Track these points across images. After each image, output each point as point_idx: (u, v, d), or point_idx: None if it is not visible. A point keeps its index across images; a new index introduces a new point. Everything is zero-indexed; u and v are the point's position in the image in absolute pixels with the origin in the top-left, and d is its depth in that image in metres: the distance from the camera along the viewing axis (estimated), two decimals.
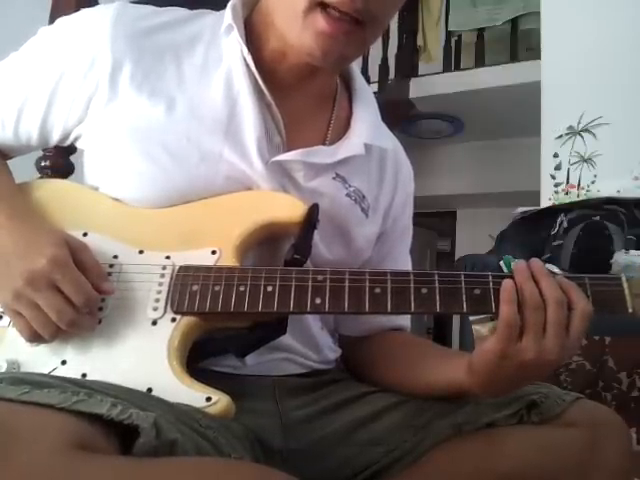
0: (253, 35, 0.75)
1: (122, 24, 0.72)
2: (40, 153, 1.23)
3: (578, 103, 2.48)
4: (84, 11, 0.76)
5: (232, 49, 0.74)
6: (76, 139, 0.76)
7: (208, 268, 0.66)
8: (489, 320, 1.53)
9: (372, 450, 0.71)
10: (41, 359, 0.64)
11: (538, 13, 2.90)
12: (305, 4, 0.66)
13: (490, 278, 0.63)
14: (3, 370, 0.63)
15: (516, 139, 3.91)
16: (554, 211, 2.31)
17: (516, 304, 0.60)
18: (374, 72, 3.68)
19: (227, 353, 0.70)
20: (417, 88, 3.81)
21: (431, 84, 3.77)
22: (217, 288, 0.64)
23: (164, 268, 0.67)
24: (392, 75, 3.87)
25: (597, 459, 0.65)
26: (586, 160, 2.46)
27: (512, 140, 4.00)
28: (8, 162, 0.80)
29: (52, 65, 0.73)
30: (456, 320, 3.78)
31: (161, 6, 0.77)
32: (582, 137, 2.48)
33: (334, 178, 0.78)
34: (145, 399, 0.55)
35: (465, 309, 0.63)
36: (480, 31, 3.89)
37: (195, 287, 0.65)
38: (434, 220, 4.95)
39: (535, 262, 0.64)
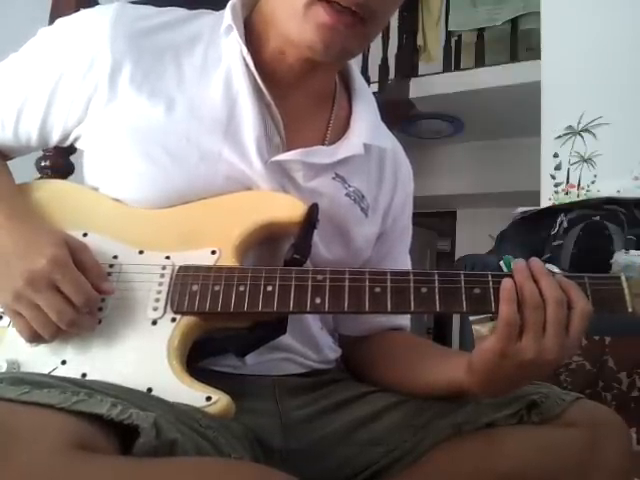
0: (253, 35, 0.75)
1: (121, 24, 0.72)
2: (40, 153, 1.23)
3: (578, 103, 2.49)
4: (83, 12, 0.76)
5: (232, 49, 0.74)
6: (76, 139, 0.76)
7: (208, 268, 0.66)
8: (489, 320, 1.53)
9: (372, 450, 0.71)
10: (41, 359, 0.64)
11: (538, 13, 2.91)
12: None
13: (490, 278, 0.63)
14: (3, 370, 0.63)
15: (516, 139, 3.91)
16: (554, 211, 2.31)
17: (516, 303, 0.60)
18: (374, 72, 3.68)
19: (227, 353, 0.70)
20: (417, 88, 3.81)
21: (431, 84, 3.77)
22: (217, 288, 0.65)
23: (164, 268, 0.67)
24: (392, 75, 3.87)
25: (597, 459, 0.65)
26: (586, 160, 2.46)
27: (512, 140, 4.00)
28: (8, 162, 0.80)
29: (51, 66, 0.73)
30: (456, 320, 3.78)
31: (161, 6, 0.77)
32: (582, 137, 2.48)
33: (333, 178, 0.78)
34: (145, 399, 0.55)
35: (465, 308, 0.63)
36: (480, 31, 3.89)
37: (195, 287, 0.65)
38: (434, 220, 4.95)
39: (535, 261, 0.64)
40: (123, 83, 0.71)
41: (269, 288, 0.64)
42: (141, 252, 0.69)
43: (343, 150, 0.78)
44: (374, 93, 0.89)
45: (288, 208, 0.71)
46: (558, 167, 2.53)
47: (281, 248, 0.72)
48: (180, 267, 0.67)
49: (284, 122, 0.74)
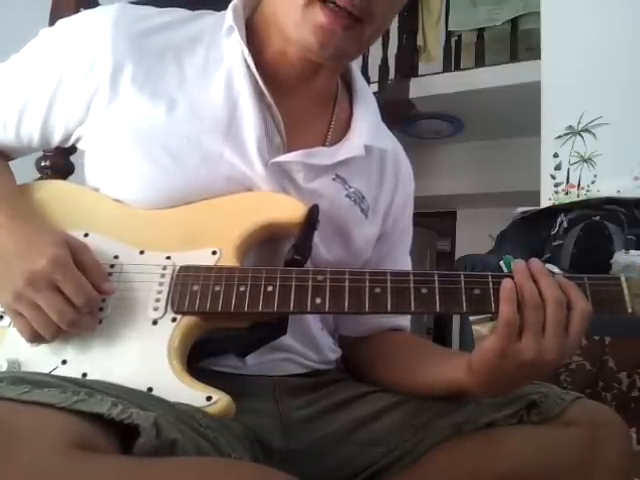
0: (254, 36, 0.75)
1: (123, 25, 0.72)
2: (40, 153, 1.23)
3: (578, 103, 2.49)
4: (84, 13, 0.76)
5: (233, 50, 0.74)
6: (77, 140, 0.76)
7: (208, 268, 0.66)
8: (489, 320, 1.54)
9: (372, 450, 0.71)
10: (41, 359, 0.64)
11: (538, 13, 2.91)
12: None
13: (490, 278, 0.63)
14: (4, 370, 0.63)
15: (516, 139, 3.91)
16: (554, 211, 2.31)
17: (516, 303, 0.60)
18: (374, 72, 3.68)
19: (227, 353, 0.70)
20: (417, 88, 3.81)
21: (431, 84, 3.77)
22: (217, 288, 0.65)
23: (164, 268, 0.67)
24: (392, 75, 3.87)
25: (597, 459, 0.65)
26: (586, 160, 2.46)
27: (512, 140, 4.00)
28: (9, 163, 0.80)
29: (52, 67, 0.73)
30: (456, 320, 3.78)
31: (162, 7, 0.77)
32: (582, 137, 2.48)
33: (334, 179, 0.78)
34: (145, 399, 0.55)
35: (465, 309, 0.63)
36: (480, 31, 3.90)
37: (195, 287, 0.65)
38: (434, 220, 4.95)
39: (534, 262, 0.64)
40: (124, 84, 0.71)
41: (269, 288, 0.64)
42: (142, 252, 0.69)
43: (344, 151, 0.78)
44: (374, 93, 0.89)
45: (288, 209, 0.71)
46: (558, 167, 2.53)
47: (281, 249, 0.73)
48: (181, 267, 0.67)
49: (285, 123, 0.74)
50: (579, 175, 2.47)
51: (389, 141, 0.88)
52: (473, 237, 4.20)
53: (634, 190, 2.24)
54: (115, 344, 0.64)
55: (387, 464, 0.70)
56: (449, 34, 4.05)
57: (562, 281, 0.62)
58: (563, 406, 0.68)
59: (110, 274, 0.67)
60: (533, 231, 2.30)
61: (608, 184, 2.32)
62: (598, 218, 2.14)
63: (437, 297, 0.63)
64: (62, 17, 0.77)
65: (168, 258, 0.68)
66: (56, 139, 0.76)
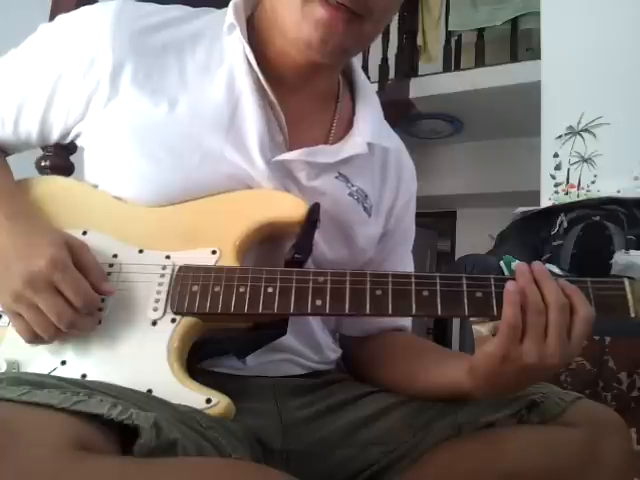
0: (255, 34, 0.75)
1: (123, 22, 0.72)
2: (40, 153, 1.22)
3: (578, 103, 2.49)
4: (85, 8, 0.75)
5: (234, 48, 0.73)
6: (76, 136, 0.76)
7: (208, 268, 0.66)
8: (489, 320, 1.53)
9: (372, 450, 0.70)
10: (41, 359, 0.64)
11: (538, 13, 2.91)
12: None
13: (492, 281, 0.63)
14: (3, 370, 0.63)
15: (516, 139, 3.91)
16: (554, 211, 2.31)
17: (519, 307, 0.60)
18: (374, 72, 3.68)
19: (227, 354, 0.70)
20: (417, 88, 3.81)
21: (431, 84, 3.77)
22: (217, 289, 0.64)
23: (164, 268, 0.67)
24: (392, 75, 3.88)
25: (597, 459, 0.65)
26: (586, 160, 2.46)
27: (512, 140, 4.00)
28: (8, 160, 0.79)
29: (52, 63, 0.73)
30: (456, 320, 3.77)
31: (162, 4, 0.77)
32: (582, 137, 2.48)
33: (337, 177, 0.77)
34: (145, 400, 0.54)
35: (467, 312, 0.62)
36: (480, 31, 3.90)
37: (195, 287, 0.65)
38: (434, 220, 4.95)
39: (537, 265, 0.63)
40: (125, 81, 0.70)
41: (269, 289, 0.64)
42: (141, 251, 0.68)
43: (346, 149, 0.77)
44: None
45: (289, 207, 0.71)
46: (558, 167, 2.53)
47: (282, 247, 0.72)
48: (180, 267, 0.67)
49: (287, 121, 0.73)
50: (579, 175, 2.47)
51: (392, 140, 0.88)
52: (473, 237, 4.20)
53: (634, 190, 2.24)
54: (114, 345, 0.64)
55: (387, 464, 0.70)
56: (449, 34, 4.05)
57: (565, 285, 0.61)
58: (563, 406, 0.68)
59: (109, 273, 0.67)
60: (533, 231, 2.30)
61: (608, 184, 2.32)
62: (598, 218, 2.14)
63: (438, 300, 0.62)
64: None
65: (167, 257, 0.68)
66: (55, 135, 0.76)
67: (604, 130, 2.42)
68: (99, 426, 0.46)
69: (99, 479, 0.43)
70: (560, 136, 2.53)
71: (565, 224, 2.21)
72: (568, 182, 2.49)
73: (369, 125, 0.81)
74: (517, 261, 1.79)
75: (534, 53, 3.15)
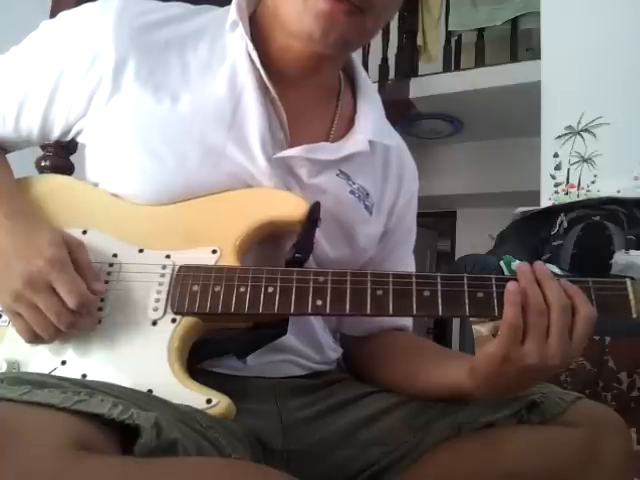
0: (258, 31, 0.75)
1: (126, 19, 0.72)
2: (40, 153, 1.22)
3: (578, 103, 2.49)
4: (87, 5, 0.75)
5: (237, 45, 0.73)
6: (77, 134, 0.76)
7: (208, 268, 0.66)
8: (489, 320, 1.53)
9: (372, 450, 0.70)
10: (41, 359, 0.64)
11: (538, 13, 2.90)
12: None
13: (494, 282, 0.62)
14: (3, 370, 0.63)
15: (516, 139, 3.91)
16: (554, 211, 2.31)
17: (520, 307, 0.59)
18: (374, 72, 3.68)
19: (227, 354, 0.70)
20: (417, 88, 3.81)
21: (431, 84, 3.77)
22: (217, 289, 0.64)
23: (164, 267, 0.67)
24: (392, 75, 3.87)
25: (597, 459, 0.65)
26: (586, 160, 2.46)
27: (512, 140, 4.00)
28: (8, 158, 0.79)
29: (54, 60, 0.72)
30: (456, 320, 3.77)
31: (165, 0, 0.77)
32: (582, 137, 2.48)
33: (338, 175, 0.77)
34: (146, 399, 0.55)
35: (468, 313, 0.62)
36: (480, 31, 3.89)
37: (195, 287, 0.65)
38: (434, 220, 4.95)
39: (539, 265, 0.63)
40: (127, 78, 0.70)
41: (270, 289, 0.64)
42: (141, 251, 0.68)
43: (348, 147, 0.77)
44: None
45: (290, 206, 0.70)
46: (558, 167, 2.53)
47: (283, 246, 0.72)
48: (180, 267, 0.67)
49: (288, 118, 0.73)
50: (579, 175, 2.47)
51: (393, 138, 0.88)
52: (473, 237, 4.20)
53: (634, 190, 2.24)
54: (115, 345, 0.64)
55: (387, 464, 0.70)
56: (449, 34, 4.05)
57: (567, 286, 0.61)
58: (563, 406, 0.68)
59: (109, 273, 0.67)
60: (533, 231, 2.30)
61: (608, 184, 2.32)
62: (598, 218, 2.14)
63: (439, 300, 0.62)
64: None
65: (168, 257, 0.68)
66: (56, 132, 0.76)
67: (604, 130, 2.42)
68: (100, 426, 0.46)
69: (100, 479, 0.43)
70: (560, 136, 2.53)
71: (565, 224, 2.21)
72: (568, 182, 2.49)
73: (370, 123, 0.81)
74: (517, 261, 1.79)
75: (534, 53, 3.15)
